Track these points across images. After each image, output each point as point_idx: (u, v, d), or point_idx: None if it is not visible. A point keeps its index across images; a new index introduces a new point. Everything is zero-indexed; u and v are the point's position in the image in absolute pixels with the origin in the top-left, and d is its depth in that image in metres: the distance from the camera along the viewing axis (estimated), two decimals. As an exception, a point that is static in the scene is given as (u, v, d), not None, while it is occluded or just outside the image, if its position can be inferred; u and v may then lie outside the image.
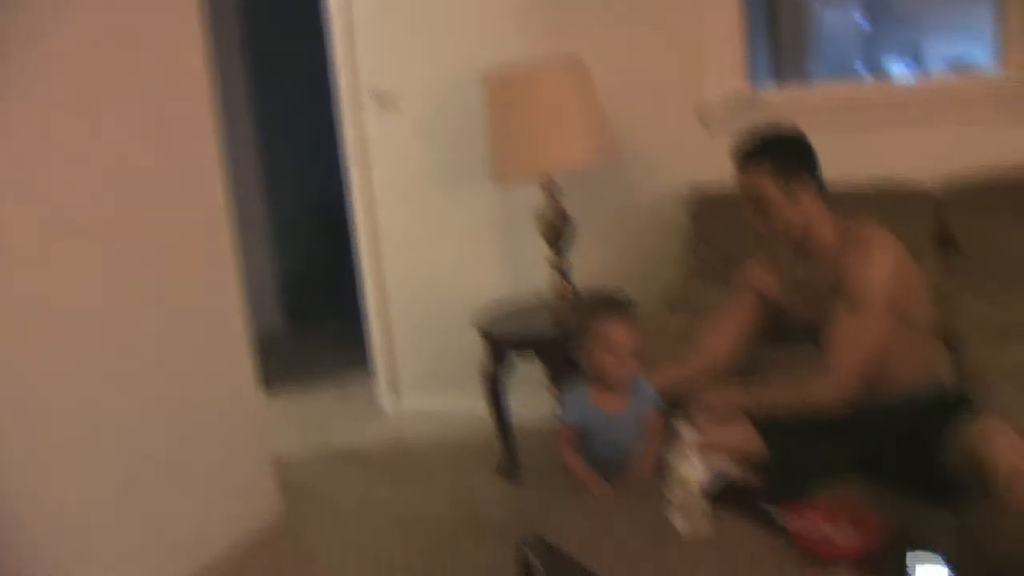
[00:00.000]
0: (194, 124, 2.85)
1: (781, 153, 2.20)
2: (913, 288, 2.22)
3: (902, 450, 2.08)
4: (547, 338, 3.13)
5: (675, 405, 2.24)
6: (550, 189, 3.23)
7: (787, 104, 3.32)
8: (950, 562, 1.73)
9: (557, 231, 3.23)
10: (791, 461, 2.12)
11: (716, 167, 3.05)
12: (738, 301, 2.46)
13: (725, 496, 1.95)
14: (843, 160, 2.50)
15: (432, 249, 3.86)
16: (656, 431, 2.16)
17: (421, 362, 4.01)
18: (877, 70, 5.48)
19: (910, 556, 1.63)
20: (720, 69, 3.31)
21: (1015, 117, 2.94)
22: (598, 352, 2.15)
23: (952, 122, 3.00)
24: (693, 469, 1.87)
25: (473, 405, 3.57)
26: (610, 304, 2.32)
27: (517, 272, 3.70)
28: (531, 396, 3.57)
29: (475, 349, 3.33)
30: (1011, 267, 2.80)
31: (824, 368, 2.15)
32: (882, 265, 2.12)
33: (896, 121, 3.09)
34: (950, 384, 2.34)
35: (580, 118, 3.07)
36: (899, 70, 5.51)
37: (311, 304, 5.70)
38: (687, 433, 1.90)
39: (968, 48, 4.90)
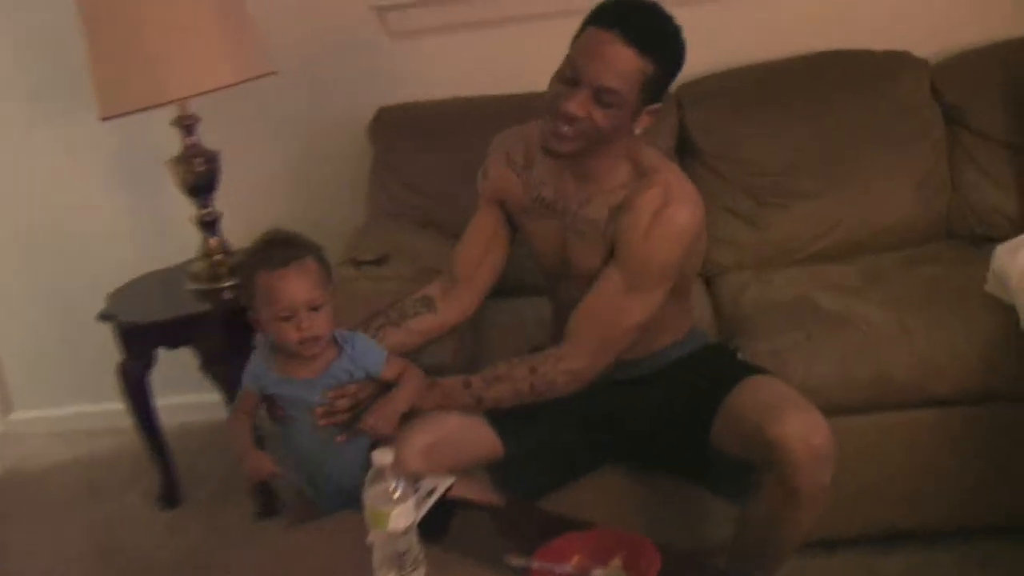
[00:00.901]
0: None
1: (668, 55, 1.63)
2: (700, 249, 1.85)
3: (666, 430, 1.81)
4: (198, 317, 2.52)
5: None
6: (184, 122, 2.52)
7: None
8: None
9: (199, 176, 2.55)
10: (534, 456, 1.79)
11: (402, 79, 2.72)
12: (483, 215, 1.93)
13: (445, 527, 1.54)
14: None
15: (33, 211, 3.03)
16: (411, 377, 1.71)
17: (35, 365, 3.23)
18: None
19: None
20: None
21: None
22: (267, 315, 1.65)
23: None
24: (396, 505, 1.36)
25: (115, 415, 2.90)
26: (279, 247, 1.67)
27: (156, 237, 3.00)
28: (189, 395, 2.97)
29: (110, 342, 2.62)
30: (758, 175, 2.55)
31: (568, 348, 1.73)
32: (682, 239, 1.67)
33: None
34: (710, 332, 2.06)
35: (214, 23, 2.36)
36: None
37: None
38: (383, 457, 1.38)
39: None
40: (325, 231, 2.74)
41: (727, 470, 1.73)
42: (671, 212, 1.65)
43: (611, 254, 1.71)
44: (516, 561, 1.40)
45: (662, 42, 1.62)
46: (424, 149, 2.62)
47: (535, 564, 1.39)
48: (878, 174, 2.51)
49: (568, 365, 1.72)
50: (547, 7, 2.71)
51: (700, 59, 2.02)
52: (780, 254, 2.50)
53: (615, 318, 1.70)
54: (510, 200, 1.88)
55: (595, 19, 1.62)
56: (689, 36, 1.66)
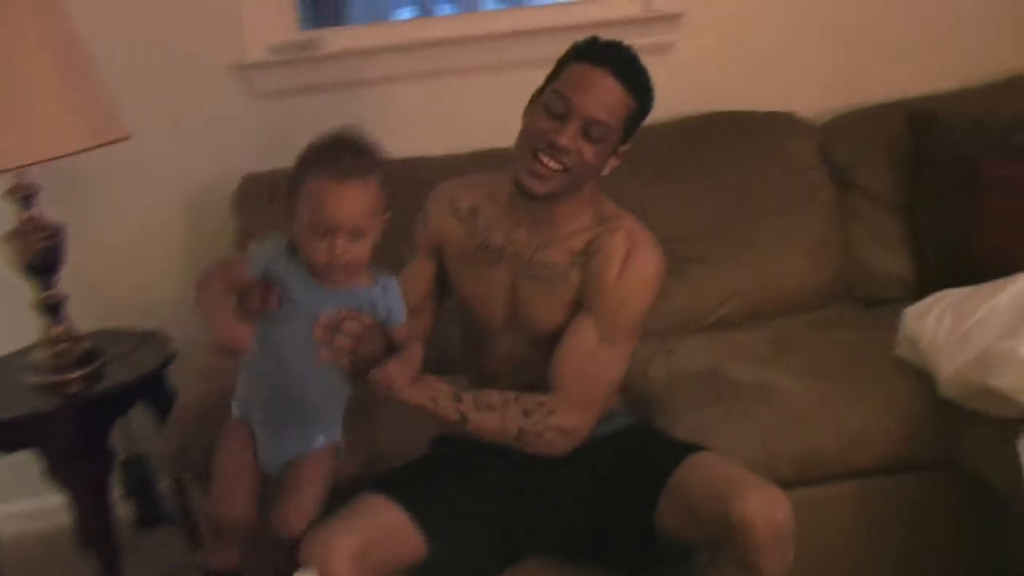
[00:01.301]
0: None
1: (648, 94, 1.68)
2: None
3: (605, 511, 1.70)
4: (42, 416, 2.21)
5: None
6: (20, 193, 2.25)
7: (357, 48, 2.65)
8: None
9: (39, 254, 2.27)
10: (459, 554, 1.65)
11: (268, 144, 2.53)
12: (419, 265, 1.84)
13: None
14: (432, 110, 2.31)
15: None
16: (417, 349, 1.59)
17: None
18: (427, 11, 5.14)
19: None
20: (263, 18, 2.60)
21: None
22: (303, 222, 1.50)
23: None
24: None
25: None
26: (347, 153, 1.51)
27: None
28: (25, 502, 2.66)
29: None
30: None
31: (559, 402, 1.65)
32: (652, 286, 1.68)
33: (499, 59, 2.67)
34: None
35: (56, 85, 2.12)
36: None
37: None
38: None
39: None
40: (188, 313, 2.57)
41: (671, 555, 1.64)
42: (640, 258, 1.66)
43: (573, 303, 1.68)
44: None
45: (644, 82, 1.66)
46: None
47: None
48: (773, 238, 2.49)
49: (560, 422, 1.64)
50: (417, 67, 2.62)
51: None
52: (682, 323, 2.43)
53: (597, 371, 1.65)
54: (450, 249, 1.78)
55: (582, 56, 1.65)
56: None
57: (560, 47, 2.60)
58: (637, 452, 1.73)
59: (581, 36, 2.57)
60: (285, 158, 2.49)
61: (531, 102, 1.70)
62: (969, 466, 1.96)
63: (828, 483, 1.99)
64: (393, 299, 1.58)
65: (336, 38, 2.66)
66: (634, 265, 1.65)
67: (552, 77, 1.67)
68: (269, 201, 2.41)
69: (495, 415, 1.63)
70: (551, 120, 1.61)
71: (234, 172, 2.51)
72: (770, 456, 1.94)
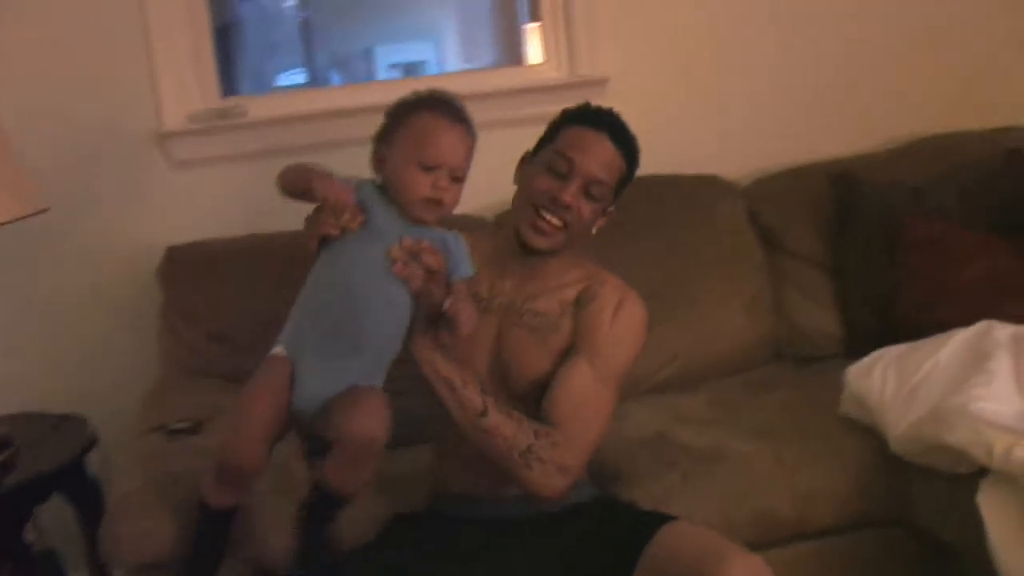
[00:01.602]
0: None
1: (636, 161, 1.81)
2: None
3: None
4: None
5: None
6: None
7: (283, 115, 2.61)
8: None
9: None
10: None
11: (192, 215, 2.53)
12: None
13: None
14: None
15: None
16: (469, 308, 1.59)
17: None
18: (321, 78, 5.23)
19: None
20: (182, 86, 2.54)
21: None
22: (408, 157, 1.55)
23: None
24: None
25: None
26: (453, 105, 1.61)
27: None
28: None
29: None
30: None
31: (561, 436, 1.64)
32: (639, 337, 1.78)
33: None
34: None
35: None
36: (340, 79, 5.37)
37: None
38: None
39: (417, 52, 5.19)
40: (108, 395, 2.46)
41: None
42: (630, 307, 1.75)
43: (561, 352, 1.71)
44: None
45: (635, 148, 1.78)
46: (228, 294, 2.33)
47: None
48: (709, 300, 2.52)
49: (561, 457, 1.62)
50: (337, 135, 2.56)
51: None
52: (623, 387, 2.41)
53: (593, 412, 1.68)
54: None
55: (581, 120, 1.75)
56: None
57: (490, 113, 2.65)
58: (607, 524, 1.70)
59: (509, 103, 2.65)
60: (210, 229, 2.49)
61: (523, 163, 1.79)
62: (921, 522, 2.00)
63: (786, 545, 2.00)
64: (462, 252, 1.61)
65: (260, 105, 2.61)
66: (626, 313, 1.74)
67: (548, 139, 1.76)
68: (196, 272, 2.35)
69: (511, 424, 1.61)
70: (553, 179, 1.70)
71: (157, 244, 2.41)
72: (728, 521, 1.94)
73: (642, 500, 1.89)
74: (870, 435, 2.05)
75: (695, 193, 2.65)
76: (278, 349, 1.59)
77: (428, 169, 1.54)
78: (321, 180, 1.54)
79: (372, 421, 1.50)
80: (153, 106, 2.50)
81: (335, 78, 5.33)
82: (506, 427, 1.61)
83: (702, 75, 2.79)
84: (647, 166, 2.66)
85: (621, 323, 1.73)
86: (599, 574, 1.64)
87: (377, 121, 2.58)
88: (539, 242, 1.70)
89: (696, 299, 2.52)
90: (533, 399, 1.69)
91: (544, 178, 1.70)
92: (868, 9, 2.87)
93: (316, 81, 5.16)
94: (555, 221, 1.69)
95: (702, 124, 2.79)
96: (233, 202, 2.55)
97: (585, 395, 1.67)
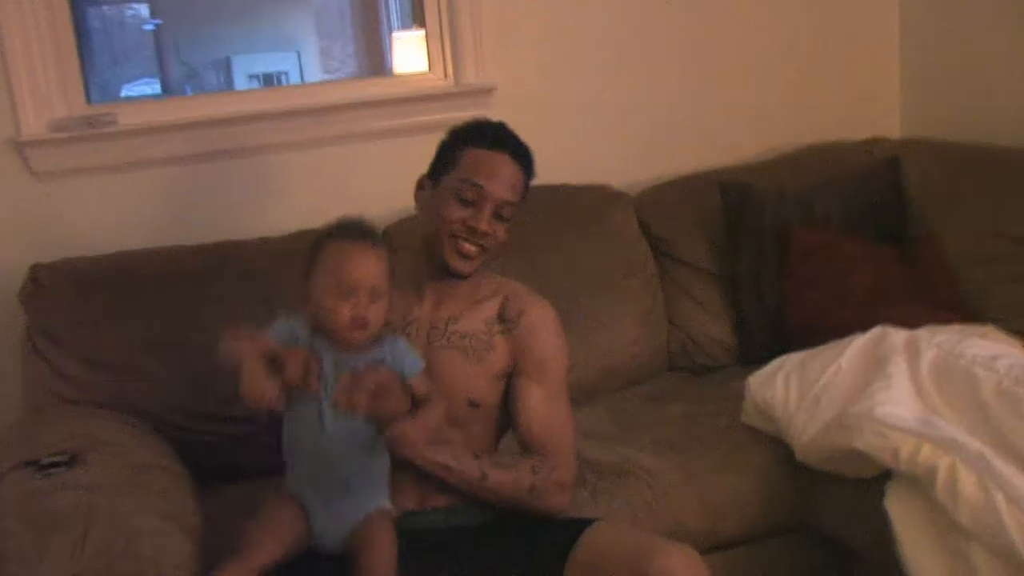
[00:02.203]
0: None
1: (532, 165, 1.83)
2: None
3: None
4: None
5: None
6: None
7: (159, 123, 2.48)
8: None
9: None
10: None
11: (58, 230, 2.40)
12: None
13: None
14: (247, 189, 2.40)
15: None
16: (438, 403, 1.65)
17: None
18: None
19: None
20: (43, 90, 2.37)
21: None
22: (325, 286, 1.59)
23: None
24: None
25: None
26: (357, 226, 1.66)
27: None
28: None
29: None
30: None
31: (552, 459, 1.76)
32: (562, 334, 1.85)
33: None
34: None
35: None
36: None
37: None
38: None
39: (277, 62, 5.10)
40: None
41: None
42: (543, 313, 1.82)
43: (499, 374, 1.77)
44: None
45: (530, 155, 1.81)
46: (99, 315, 2.18)
47: None
48: (603, 312, 2.52)
49: (560, 477, 1.75)
50: (217, 144, 2.48)
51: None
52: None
53: (562, 425, 1.79)
54: None
55: (478, 141, 1.76)
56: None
57: (376, 121, 2.60)
58: (527, 535, 1.70)
59: (396, 110, 2.60)
60: (75, 246, 2.34)
61: (420, 189, 1.81)
62: (827, 528, 2.04)
63: (696, 558, 2.01)
64: (402, 354, 1.65)
65: (131, 113, 2.46)
66: (544, 322, 1.81)
67: (447, 163, 1.77)
68: (66, 292, 2.18)
69: (510, 473, 1.72)
70: (464, 208, 1.73)
71: (17, 263, 2.24)
72: (639, 535, 1.94)
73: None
74: (774, 444, 2.09)
75: (587, 203, 2.65)
76: (286, 490, 1.65)
77: (347, 294, 1.58)
78: (245, 376, 1.48)
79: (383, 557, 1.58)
80: (10, 111, 2.33)
81: (188, 89, 5.18)
82: (506, 478, 1.71)
83: (590, 84, 2.80)
84: (538, 176, 2.69)
85: (547, 335, 1.81)
86: None
87: (257, 129, 2.55)
88: (464, 267, 1.75)
89: (590, 312, 2.50)
90: (470, 418, 1.76)
91: (454, 207, 1.73)
92: (749, 22, 2.95)
93: (170, 92, 5.01)
94: (474, 250, 1.74)
95: (591, 133, 2.81)
96: (100, 216, 2.41)
97: (550, 415, 1.78)
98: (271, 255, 2.31)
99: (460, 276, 1.75)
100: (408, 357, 1.65)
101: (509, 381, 1.80)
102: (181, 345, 2.16)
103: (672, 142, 2.88)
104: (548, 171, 2.63)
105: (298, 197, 2.55)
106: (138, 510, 1.67)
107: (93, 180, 2.41)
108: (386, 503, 1.65)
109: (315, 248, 1.63)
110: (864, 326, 2.19)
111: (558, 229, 2.57)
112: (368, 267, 1.59)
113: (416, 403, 1.63)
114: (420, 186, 1.82)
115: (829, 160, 2.81)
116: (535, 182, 2.61)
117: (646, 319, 2.57)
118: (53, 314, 2.18)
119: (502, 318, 1.80)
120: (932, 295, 2.47)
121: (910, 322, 2.17)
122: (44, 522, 1.63)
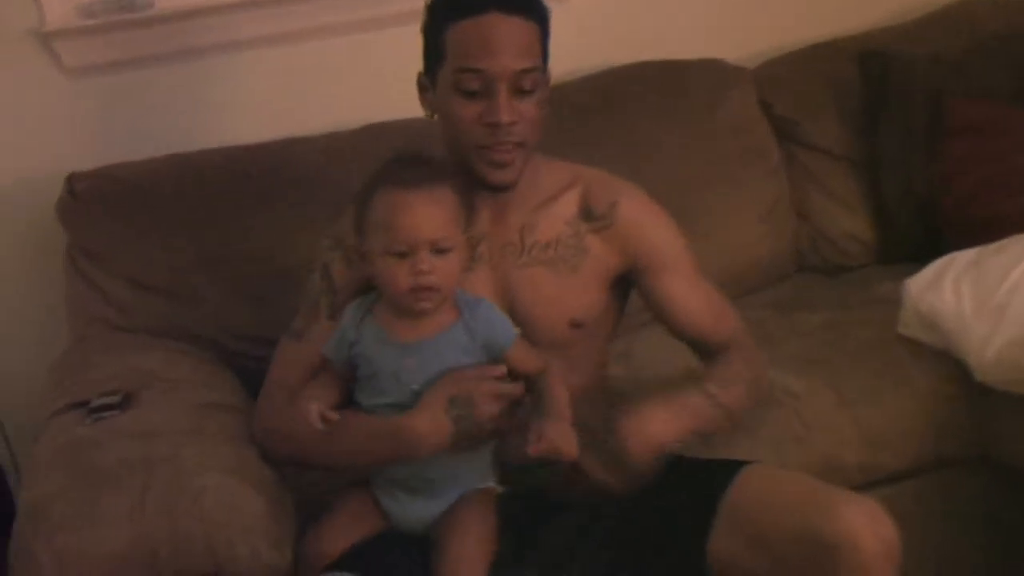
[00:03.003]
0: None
1: (539, 6, 1.49)
2: None
3: (643, 550, 1.50)
4: None
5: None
6: None
7: (200, 5, 2.20)
8: None
9: None
10: None
11: (96, 133, 2.18)
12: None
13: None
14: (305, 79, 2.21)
15: None
16: (558, 376, 1.46)
17: None
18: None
19: None
20: None
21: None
22: (378, 247, 1.40)
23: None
24: None
25: None
26: (410, 165, 1.43)
27: None
28: None
29: None
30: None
31: (738, 347, 1.62)
32: (665, 213, 1.64)
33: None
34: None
35: None
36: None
37: None
38: None
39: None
40: (5, 363, 2.17)
41: None
42: (641, 201, 1.61)
43: (610, 276, 1.58)
44: None
45: (535, 2, 1.49)
46: (147, 229, 1.98)
47: None
48: (719, 210, 2.27)
49: (756, 356, 1.64)
50: (271, 27, 2.23)
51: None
52: (629, 315, 2.15)
53: (722, 305, 1.64)
54: None
55: (455, 11, 1.45)
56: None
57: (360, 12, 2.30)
58: (671, 479, 1.50)
59: None
60: (115, 151, 2.11)
61: (424, 91, 1.54)
62: (1010, 460, 1.81)
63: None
64: (485, 323, 1.44)
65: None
66: (643, 207, 1.61)
67: (435, 54, 1.48)
68: (107, 205, 1.98)
69: (736, 387, 1.56)
70: (473, 102, 1.45)
71: (53, 172, 2.04)
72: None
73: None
74: (941, 360, 1.84)
75: (697, 82, 2.36)
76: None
77: (402, 255, 1.37)
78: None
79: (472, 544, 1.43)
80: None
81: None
82: (738, 395, 1.55)
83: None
84: (631, 54, 2.41)
85: (653, 220, 1.61)
86: (671, 537, 1.47)
87: (303, 9, 2.29)
88: (507, 176, 1.49)
89: (704, 208, 2.25)
90: (570, 340, 1.56)
91: (461, 105, 1.45)
92: None
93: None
94: (508, 149, 1.47)
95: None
96: (142, 117, 2.19)
97: (707, 300, 1.63)
98: (335, 153, 2.09)
99: (505, 188, 1.50)
100: (497, 324, 1.45)
101: (622, 287, 1.62)
102: (233, 261, 1.98)
103: (796, 4, 2.55)
104: (650, 46, 2.41)
105: (377, 85, 2.27)
106: (203, 463, 1.47)
107: (131, 74, 2.17)
108: (487, 483, 1.50)
109: (363, 196, 1.42)
110: (1038, 217, 1.92)
111: (665, 113, 2.31)
112: (422, 219, 1.37)
113: (515, 377, 1.44)
114: (422, 87, 1.54)
115: (990, 16, 2.48)
116: (632, 58, 2.39)
117: (771, 215, 2.32)
118: (94, 229, 1.99)
119: (589, 214, 1.57)
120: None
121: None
122: (96, 479, 1.45)
